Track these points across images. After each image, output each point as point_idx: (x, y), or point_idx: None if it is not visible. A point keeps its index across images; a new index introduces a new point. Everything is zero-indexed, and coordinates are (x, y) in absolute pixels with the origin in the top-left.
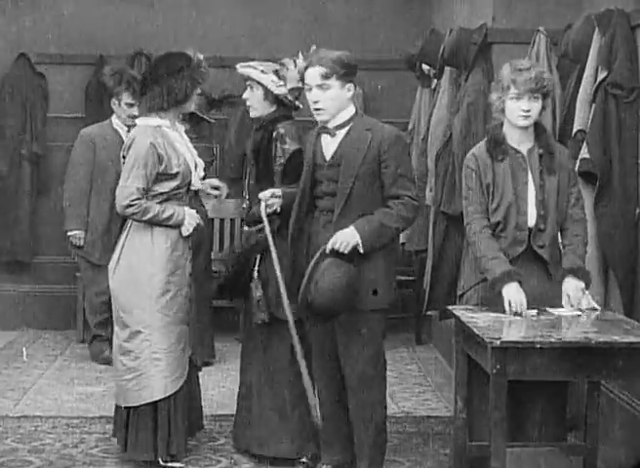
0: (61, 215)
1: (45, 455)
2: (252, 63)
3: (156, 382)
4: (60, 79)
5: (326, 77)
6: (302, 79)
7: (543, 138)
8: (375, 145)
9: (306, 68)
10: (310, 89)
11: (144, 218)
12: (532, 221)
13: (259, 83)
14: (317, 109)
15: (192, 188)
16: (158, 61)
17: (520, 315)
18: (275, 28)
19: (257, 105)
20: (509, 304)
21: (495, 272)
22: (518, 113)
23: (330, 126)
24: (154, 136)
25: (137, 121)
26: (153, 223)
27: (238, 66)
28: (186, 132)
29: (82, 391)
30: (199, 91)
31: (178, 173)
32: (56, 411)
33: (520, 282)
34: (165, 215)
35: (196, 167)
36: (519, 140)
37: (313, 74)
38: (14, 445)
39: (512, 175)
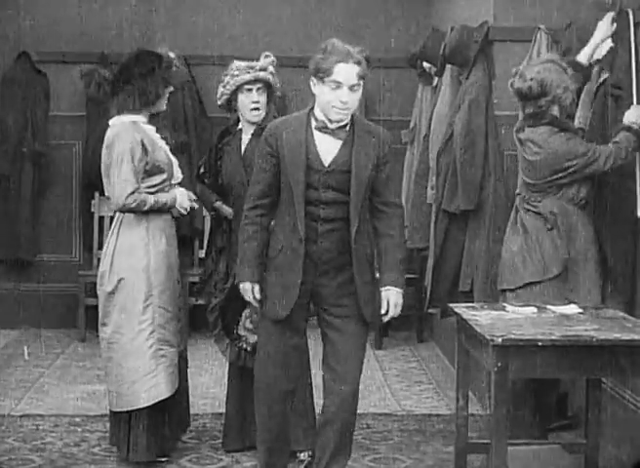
0: (63, 213)
1: (46, 454)
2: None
3: (163, 379)
4: (61, 78)
5: (361, 77)
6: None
7: None
8: (378, 149)
9: (337, 63)
10: (339, 87)
11: (144, 209)
12: None
13: (268, 86)
14: (343, 109)
15: (174, 182)
16: (130, 61)
17: None
18: (275, 28)
19: (263, 109)
20: None
21: None
22: None
23: (333, 126)
24: (136, 131)
25: (110, 121)
26: (152, 211)
27: (258, 66)
28: None
29: (84, 390)
30: (171, 89)
31: (165, 165)
32: (57, 410)
33: None
34: (162, 202)
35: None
36: None
37: (350, 73)
38: (15, 443)
39: None
